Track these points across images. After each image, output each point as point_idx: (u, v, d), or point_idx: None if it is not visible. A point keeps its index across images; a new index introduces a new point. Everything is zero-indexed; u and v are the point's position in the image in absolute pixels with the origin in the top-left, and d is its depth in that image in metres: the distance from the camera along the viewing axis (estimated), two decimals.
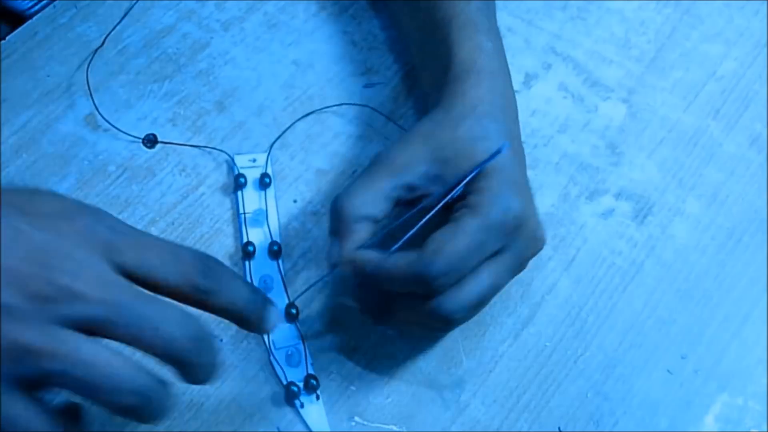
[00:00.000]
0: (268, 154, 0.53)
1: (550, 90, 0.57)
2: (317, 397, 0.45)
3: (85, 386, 0.32)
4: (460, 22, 0.48)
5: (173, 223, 0.51)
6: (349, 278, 0.43)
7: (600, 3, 0.62)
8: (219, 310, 0.37)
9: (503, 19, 0.60)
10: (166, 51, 0.58)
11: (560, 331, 0.48)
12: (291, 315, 0.47)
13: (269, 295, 0.43)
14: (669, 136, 0.56)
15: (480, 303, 0.42)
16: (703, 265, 0.51)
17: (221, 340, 0.47)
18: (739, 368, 0.48)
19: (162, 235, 0.48)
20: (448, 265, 0.40)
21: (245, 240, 0.50)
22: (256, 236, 0.50)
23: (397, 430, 0.45)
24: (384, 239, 0.42)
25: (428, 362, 0.47)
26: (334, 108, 0.56)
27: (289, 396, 0.45)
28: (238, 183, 0.52)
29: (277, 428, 0.45)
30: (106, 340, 0.33)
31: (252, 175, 0.52)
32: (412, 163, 0.43)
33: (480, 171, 0.42)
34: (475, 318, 0.48)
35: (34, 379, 0.31)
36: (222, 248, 0.50)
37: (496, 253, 0.42)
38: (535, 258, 0.46)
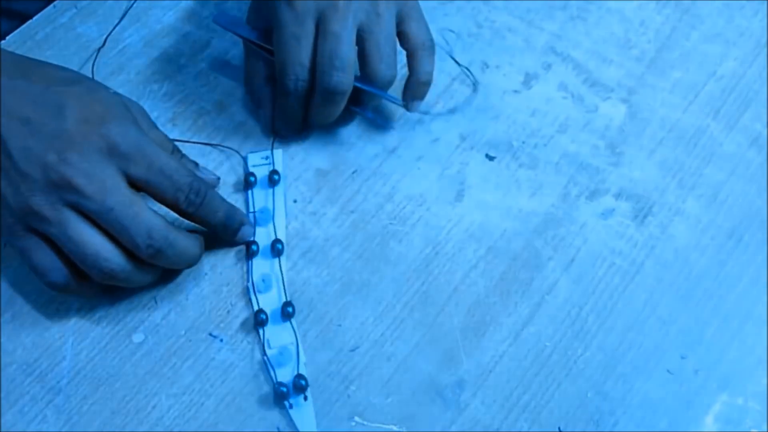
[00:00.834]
0: (272, 150, 0.53)
1: (550, 90, 0.57)
2: (305, 398, 0.45)
3: (70, 254, 0.43)
4: None
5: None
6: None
7: (600, 3, 0.62)
8: (203, 221, 0.47)
9: (503, 19, 0.60)
10: (166, 51, 0.58)
11: (560, 331, 0.48)
12: (287, 314, 0.47)
13: (268, 294, 0.49)
14: (669, 136, 0.56)
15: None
16: (703, 265, 0.51)
17: (221, 340, 0.47)
18: (739, 368, 0.47)
19: None
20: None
21: (252, 238, 0.50)
22: (261, 234, 0.50)
23: (397, 430, 0.45)
24: None
25: (428, 362, 0.47)
26: None
27: (277, 397, 0.45)
28: (248, 182, 0.52)
29: (277, 428, 0.45)
30: None
31: (261, 173, 0.53)
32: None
33: None
34: (475, 318, 0.48)
35: (36, 235, 0.44)
36: (227, 249, 0.50)
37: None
38: (535, 258, 0.46)
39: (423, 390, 0.46)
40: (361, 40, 0.49)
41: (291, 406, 0.44)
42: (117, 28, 0.58)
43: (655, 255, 0.51)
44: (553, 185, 0.53)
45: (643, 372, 0.47)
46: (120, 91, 0.51)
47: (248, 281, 0.49)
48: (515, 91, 0.57)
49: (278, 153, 0.54)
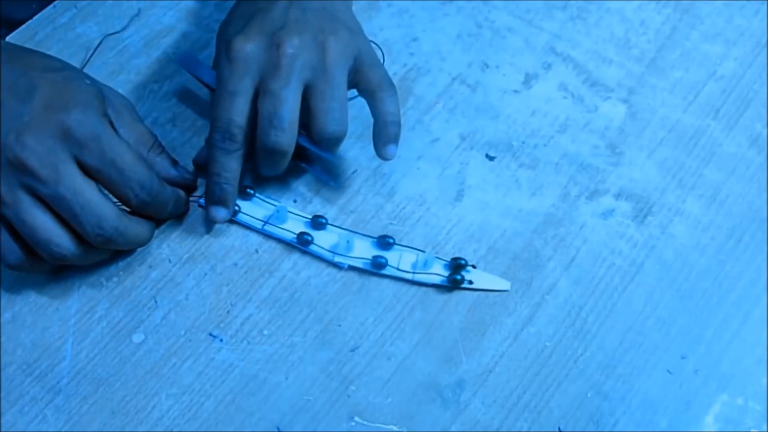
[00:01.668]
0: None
1: (550, 90, 0.57)
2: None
3: (23, 235, 0.44)
4: None
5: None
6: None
7: (600, 3, 0.62)
8: (151, 217, 0.49)
9: (503, 19, 0.60)
10: (166, 51, 0.58)
11: (560, 331, 0.48)
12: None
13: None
14: (669, 136, 0.56)
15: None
16: (703, 265, 0.51)
17: (221, 340, 0.47)
18: (739, 368, 0.48)
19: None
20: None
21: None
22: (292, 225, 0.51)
23: (397, 430, 0.45)
24: None
25: (428, 362, 0.47)
26: None
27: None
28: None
29: (277, 428, 0.45)
30: None
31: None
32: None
33: None
34: (475, 318, 0.48)
35: None
36: (227, 249, 0.50)
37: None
38: (535, 258, 0.46)
39: (423, 390, 0.46)
40: (307, 97, 0.48)
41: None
42: (116, 28, 0.58)
43: (655, 255, 0.51)
44: (553, 185, 0.53)
45: (643, 372, 0.47)
46: (120, 91, 0.51)
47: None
48: (515, 91, 0.57)
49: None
